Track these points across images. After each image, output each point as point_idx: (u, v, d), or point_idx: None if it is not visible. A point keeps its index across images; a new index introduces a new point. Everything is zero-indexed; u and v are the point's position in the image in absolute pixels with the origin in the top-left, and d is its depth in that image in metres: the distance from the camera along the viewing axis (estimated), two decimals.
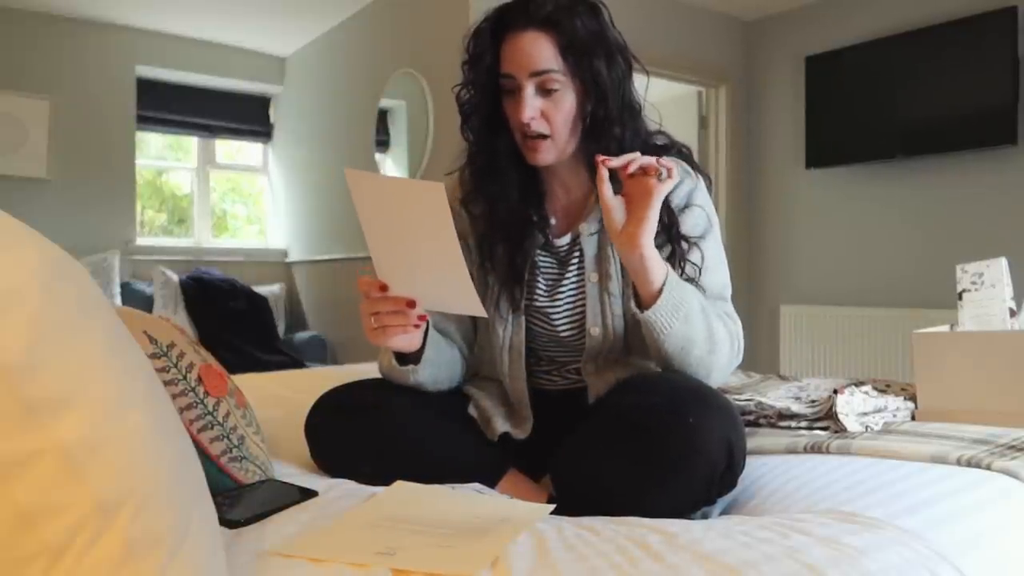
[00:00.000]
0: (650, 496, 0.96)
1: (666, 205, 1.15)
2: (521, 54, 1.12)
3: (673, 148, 1.25)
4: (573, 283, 1.23)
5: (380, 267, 1.00)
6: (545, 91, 1.13)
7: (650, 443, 0.96)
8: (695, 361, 1.09)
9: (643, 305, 1.06)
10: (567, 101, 1.14)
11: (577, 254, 1.23)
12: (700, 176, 1.23)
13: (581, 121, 1.16)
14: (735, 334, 1.17)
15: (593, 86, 1.14)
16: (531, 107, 1.12)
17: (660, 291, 1.04)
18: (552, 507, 0.94)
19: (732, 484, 1.01)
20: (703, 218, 1.19)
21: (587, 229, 1.22)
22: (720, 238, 1.23)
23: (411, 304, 1.02)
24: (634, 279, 1.07)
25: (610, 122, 1.15)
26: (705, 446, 0.95)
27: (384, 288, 1.01)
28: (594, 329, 1.21)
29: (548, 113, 1.14)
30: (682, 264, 1.16)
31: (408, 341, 1.09)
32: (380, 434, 1.13)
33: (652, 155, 1.18)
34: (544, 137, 1.15)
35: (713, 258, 1.19)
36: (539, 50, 1.12)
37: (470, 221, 1.25)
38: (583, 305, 1.22)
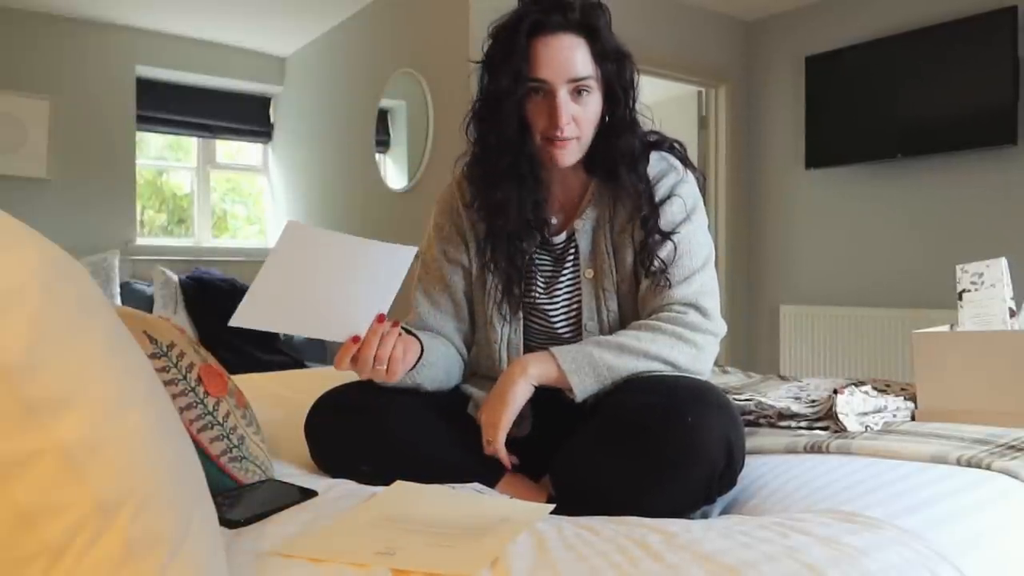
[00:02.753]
0: (649, 496, 0.96)
1: (649, 200, 1.18)
2: (560, 59, 1.10)
3: (665, 144, 1.26)
4: (569, 279, 1.25)
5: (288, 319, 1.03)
6: (577, 95, 1.13)
7: (649, 443, 0.96)
8: (660, 368, 1.12)
9: (573, 393, 1.09)
10: (594, 104, 1.15)
11: (572, 251, 1.25)
12: (688, 170, 1.24)
13: (600, 123, 1.18)
14: (680, 334, 1.13)
15: (619, 90, 1.15)
16: (567, 112, 1.12)
17: (562, 372, 1.09)
18: (552, 507, 0.94)
19: (732, 483, 1.00)
20: (680, 208, 1.20)
21: (582, 226, 1.23)
22: (702, 229, 1.23)
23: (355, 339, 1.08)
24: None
25: (629, 123, 1.17)
26: (704, 445, 0.95)
27: (356, 339, 1.06)
28: (590, 324, 1.22)
29: (578, 117, 1.14)
30: (651, 258, 1.17)
31: (406, 363, 1.12)
32: (379, 434, 1.13)
33: (645, 152, 1.21)
34: (571, 139, 1.15)
35: (685, 244, 1.18)
36: (577, 55, 1.11)
37: (472, 223, 1.27)
38: (579, 301, 1.24)
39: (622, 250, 1.21)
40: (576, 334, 1.24)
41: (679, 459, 0.95)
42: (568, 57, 1.10)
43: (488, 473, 1.12)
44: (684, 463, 0.95)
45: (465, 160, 1.25)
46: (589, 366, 1.09)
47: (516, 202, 1.19)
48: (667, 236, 1.17)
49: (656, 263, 1.17)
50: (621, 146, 1.17)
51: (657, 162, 1.22)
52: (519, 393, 1.08)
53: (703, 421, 0.96)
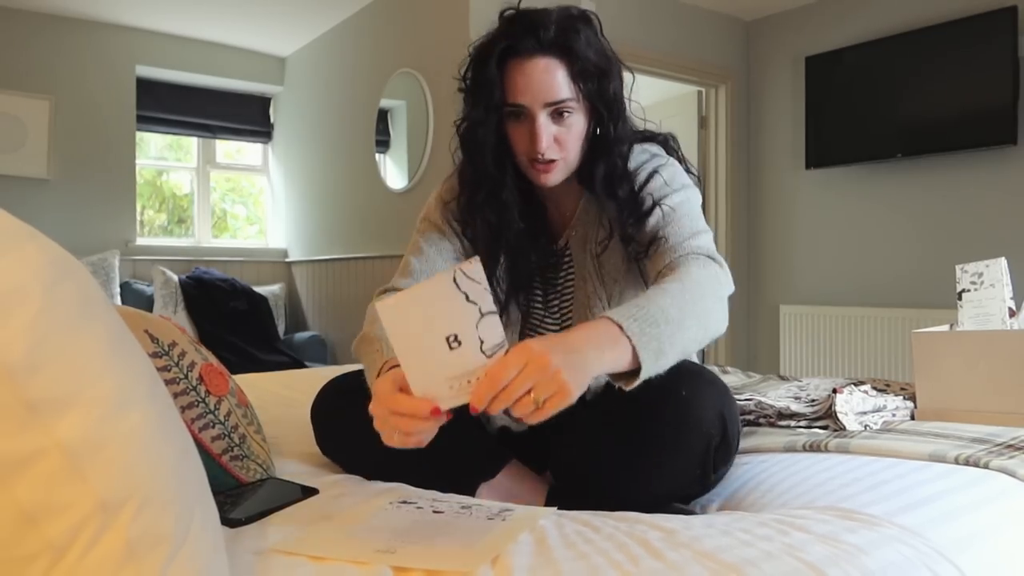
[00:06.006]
0: (649, 472, 0.97)
1: (634, 205, 1.12)
2: (535, 84, 1.06)
3: (659, 136, 1.23)
4: (564, 290, 1.24)
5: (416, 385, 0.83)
6: (557, 116, 1.09)
7: (645, 417, 0.97)
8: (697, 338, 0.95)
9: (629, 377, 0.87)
10: (578, 125, 1.11)
11: (567, 261, 1.24)
12: (676, 159, 1.20)
13: (587, 140, 1.14)
14: (711, 276, 1.03)
15: (603, 107, 1.11)
16: (547, 136, 1.08)
17: (637, 362, 0.85)
18: (553, 509, 0.93)
19: (728, 457, 1.01)
20: (661, 184, 1.14)
21: (575, 236, 1.22)
22: (692, 202, 1.15)
23: (435, 412, 0.81)
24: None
25: (617, 140, 1.13)
26: (699, 418, 0.96)
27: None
28: None
29: (560, 138, 1.10)
30: (638, 230, 1.11)
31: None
32: None
33: (637, 143, 1.18)
34: (554, 161, 1.11)
35: (682, 208, 1.11)
36: (554, 79, 1.07)
37: (470, 240, 1.21)
38: (571, 310, 1.23)
39: (612, 257, 1.19)
40: None
41: (675, 431, 0.95)
42: (544, 81, 1.06)
43: (490, 463, 1.11)
44: (680, 435, 0.96)
45: (452, 181, 1.23)
46: (657, 345, 0.87)
47: (506, 224, 1.16)
48: (650, 209, 1.10)
49: (647, 232, 1.10)
50: (608, 162, 1.13)
51: (637, 156, 1.18)
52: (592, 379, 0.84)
53: (696, 393, 0.97)
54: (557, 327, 1.24)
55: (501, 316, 1.11)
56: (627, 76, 1.20)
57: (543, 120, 1.08)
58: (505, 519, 0.89)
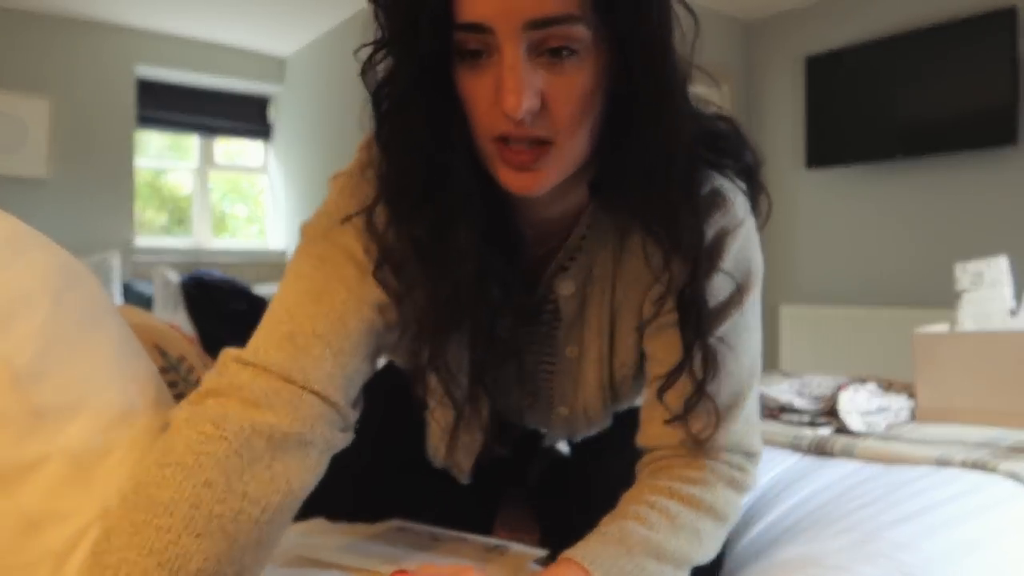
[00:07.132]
0: None
1: (695, 251, 0.67)
2: None
3: (728, 146, 0.77)
4: (541, 349, 0.82)
5: None
6: (550, 55, 0.58)
7: None
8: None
9: None
10: (585, 76, 0.60)
11: (550, 310, 0.79)
12: (748, 211, 0.73)
13: (604, 114, 0.64)
14: (734, 505, 0.73)
15: (634, 47, 0.60)
16: (530, 86, 0.57)
17: None
18: (546, 552, 0.85)
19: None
20: (727, 287, 0.70)
21: (566, 287, 0.76)
22: (753, 314, 0.74)
23: None
24: None
25: (661, 109, 0.62)
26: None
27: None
28: (561, 409, 0.86)
29: (552, 97, 0.59)
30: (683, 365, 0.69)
31: None
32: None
33: (698, 158, 0.71)
34: (542, 143, 0.61)
35: (727, 344, 0.71)
36: None
37: (397, 288, 0.68)
38: (551, 383, 0.84)
39: (625, 326, 0.77)
40: (544, 418, 0.89)
41: None
42: None
43: (482, 511, 0.99)
44: None
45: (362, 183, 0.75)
46: None
47: (457, 257, 0.65)
48: (701, 334, 0.68)
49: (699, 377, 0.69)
50: (644, 152, 0.63)
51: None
52: None
53: None
54: (529, 399, 0.86)
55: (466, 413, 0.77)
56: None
57: (521, 55, 0.57)
58: (503, 553, 0.88)
